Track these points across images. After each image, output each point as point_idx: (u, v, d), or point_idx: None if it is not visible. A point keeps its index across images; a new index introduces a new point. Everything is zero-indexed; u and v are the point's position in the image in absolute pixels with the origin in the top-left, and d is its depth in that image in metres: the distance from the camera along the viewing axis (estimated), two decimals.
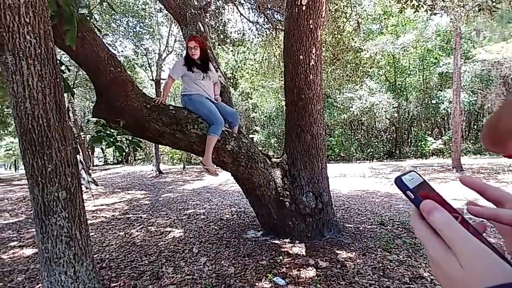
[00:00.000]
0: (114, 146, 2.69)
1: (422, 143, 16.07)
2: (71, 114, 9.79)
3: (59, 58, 2.37)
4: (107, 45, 2.96)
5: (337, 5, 7.15)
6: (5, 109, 13.18)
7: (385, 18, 16.38)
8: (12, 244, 3.98)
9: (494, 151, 0.87)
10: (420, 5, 4.99)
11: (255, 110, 21.01)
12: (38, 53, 1.88)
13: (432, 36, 15.56)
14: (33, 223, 4.92)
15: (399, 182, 0.35)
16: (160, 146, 13.94)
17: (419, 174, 0.37)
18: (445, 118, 17.83)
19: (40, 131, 1.91)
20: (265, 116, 20.37)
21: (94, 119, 2.83)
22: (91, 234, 3.41)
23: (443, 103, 15.51)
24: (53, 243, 1.96)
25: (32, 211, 2.04)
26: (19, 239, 4.19)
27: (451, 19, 7.81)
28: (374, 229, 3.76)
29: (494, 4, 4.94)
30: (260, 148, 3.71)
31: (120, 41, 13.03)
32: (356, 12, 8.31)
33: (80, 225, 2.09)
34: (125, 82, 2.94)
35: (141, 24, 12.40)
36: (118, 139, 2.85)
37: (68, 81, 3.01)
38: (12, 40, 1.80)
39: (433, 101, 16.38)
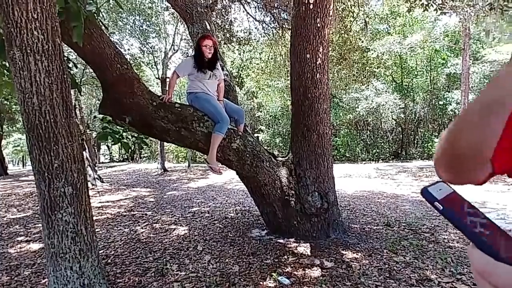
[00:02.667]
0: (120, 143, 2.70)
1: (429, 144, 15.90)
2: (77, 111, 9.87)
3: (66, 55, 2.38)
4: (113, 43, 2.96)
5: (344, 4, 7.10)
6: (13, 106, 13.36)
7: (392, 18, 16.23)
8: (19, 238, 4.02)
9: (455, 182, 0.57)
10: (429, 4, 4.93)
11: (260, 110, 21.00)
12: (46, 49, 1.88)
13: (440, 36, 15.39)
14: (40, 218, 4.98)
15: (425, 192, 0.33)
16: (165, 144, 14.01)
17: (448, 185, 0.35)
18: (453, 119, 17.61)
19: (47, 127, 1.92)
20: (270, 116, 20.33)
21: (101, 116, 2.84)
22: (96, 230, 3.42)
23: (450, 104, 15.34)
24: (59, 238, 1.97)
25: (39, 207, 2.05)
26: (26, 234, 4.23)
27: (460, 19, 7.71)
28: (380, 230, 3.72)
29: (506, 3, 4.86)
30: (265, 147, 3.71)
31: (127, 39, 13.14)
32: (363, 11, 8.24)
33: (86, 220, 2.09)
34: (132, 79, 2.95)
35: (147, 22, 12.46)
36: (124, 136, 2.87)
37: (75, 78, 3.03)
38: (20, 36, 1.81)
39: (440, 102, 16.20)
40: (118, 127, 2.92)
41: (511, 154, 0.54)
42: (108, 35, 3.03)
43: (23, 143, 27.22)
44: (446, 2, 5.38)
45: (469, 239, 0.32)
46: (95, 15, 2.65)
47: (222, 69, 3.69)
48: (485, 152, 0.48)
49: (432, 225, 3.85)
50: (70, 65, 2.98)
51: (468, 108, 0.49)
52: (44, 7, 1.84)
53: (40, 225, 4.62)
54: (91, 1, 2.61)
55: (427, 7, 5.01)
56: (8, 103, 12.65)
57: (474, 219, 0.32)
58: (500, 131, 0.45)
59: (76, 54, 2.93)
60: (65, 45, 2.54)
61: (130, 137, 2.99)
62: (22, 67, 1.82)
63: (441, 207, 0.32)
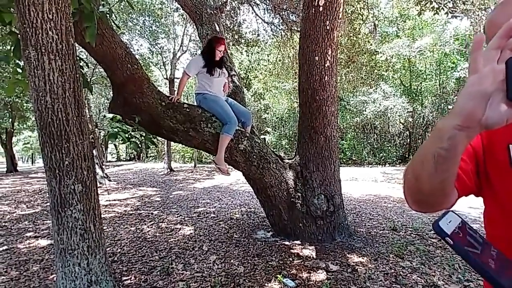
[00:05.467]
0: (129, 142, 2.73)
1: None
2: (86, 110, 9.99)
3: (77, 54, 2.42)
4: None
5: (353, 7, 7.08)
6: (24, 104, 13.59)
7: (402, 21, 16.11)
8: (28, 234, 4.09)
9: (427, 212, 0.65)
10: (441, 8, 4.88)
11: (267, 111, 20.99)
12: (60, 49, 1.92)
13: (450, 40, 15.22)
14: (49, 215, 5.01)
15: (436, 227, 0.34)
16: (172, 144, 14.10)
17: (456, 214, 0.36)
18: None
19: (59, 124, 1.95)
20: (276, 117, 20.31)
21: (110, 115, 2.88)
22: (103, 228, 3.47)
23: None
24: (68, 235, 2.00)
25: (48, 203, 2.09)
26: (35, 230, 4.30)
27: (471, 22, 7.61)
28: (386, 234, 3.69)
29: None
30: (271, 149, 3.72)
31: (136, 39, 13.27)
32: (372, 14, 8.20)
33: (94, 218, 2.12)
34: (141, 79, 2.99)
35: (157, 23, 12.56)
36: (132, 135, 2.90)
37: (87, 78, 3.08)
38: (35, 36, 1.85)
39: (450, 107, 15.99)
40: (127, 126, 2.96)
41: (469, 176, 0.59)
42: (118, 35, 3.08)
43: (33, 141, 27.66)
44: (458, 6, 5.32)
45: (474, 269, 0.34)
46: (107, 15, 2.70)
47: (231, 70, 3.74)
48: (448, 189, 0.52)
49: None
50: (81, 64, 3.03)
51: (421, 155, 0.51)
52: (59, 7, 1.88)
53: (48, 221, 4.70)
54: (104, 2, 2.65)
55: (438, 10, 4.97)
56: (19, 101, 12.86)
57: (476, 248, 0.34)
58: (456, 171, 0.49)
59: (87, 53, 2.98)
60: (77, 45, 2.58)
61: (138, 136, 3.02)
62: (37, 66, 1.86)
63: (452, 242, 0.33)
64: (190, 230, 4.16)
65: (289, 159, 3.79)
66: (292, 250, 3.20)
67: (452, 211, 0.36)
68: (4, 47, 6.96)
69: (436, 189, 0.51)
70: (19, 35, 1.95)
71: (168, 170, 13.36)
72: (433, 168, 0.47)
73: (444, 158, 0.45)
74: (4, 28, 2.60)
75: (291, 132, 18.87)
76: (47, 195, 2.11)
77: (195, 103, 3.36)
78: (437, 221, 0.35)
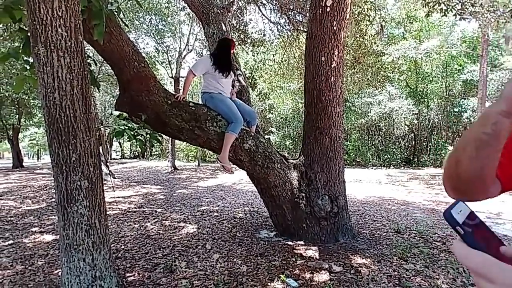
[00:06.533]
0: (135, 140, 2.75)
1: (442, 152, 15.58)
2: (92, 107, 10.06)
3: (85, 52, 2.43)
4: None
5: (360, 8, 7.04)
6: (31, 100, 13.72)
7: (409, 23, 16.01)
8: (34, 229, 4.13)
9: (464, 199, 0.64)
10: (449, 9, 4.84)
11: (271, 111, 20.99)
12: (68, 46, 1.94)
13: (457, 42, 15.10)
14: (54, 210, 5.05)
15: (448, 216, 0.35)
16: (176, 142, 14.15)
17: (465, 204, 0.36)
18: (468, 127, 17.24)
19: (67, 121, 1.97)
20: (281, 118, 20.31)
21: (117, 112, 2.89)
22: (108, 224, 3.49)
23: (466, 112, 15.01)
24: (73, 230, 2.02)
25: (53, 199, 2.11)
26: (40, 225, 4.34)
27: (479, 24, 7.54)
28: (390, 237, 3.67)
29: None
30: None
31: (142, 38, 13.36)
32: (379, 15, 8.16)
33: (99, 214, 2.14)
34: (148, 77, 3.00)
35: (163, 22, 12.62)
36: (138, 132, 2.91)
37: (94, 75, 3.10)
38: (44, 33, 1.86)
39: (456, 109, 15.88)
40: (133, 124, 2.98)
41: None
42: (126, 33, 3.10)
43: (39, 137, 27.89)
44: (466, 8, 5.28)
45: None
46: (116, 13, 2.71)
47: (236, 69, 3.75)
48: (487, 178, 0.52)
49: (444, 234, 3.78)
50: (89, 61, 3.05)
51: (464, 141, 0.52)
52: (68, 5, 1.90)
53: (53, 217, 4.74)
54: (112, 1, 2.67)
55: (446, 12, 4.93)
56: (26, 97, 12.99)
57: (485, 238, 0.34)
58: (498, 158, 0.49)
59: (93, 51, 2.99)
60: (84, 43, 2.60)
61: (144, 134, 3.04)
62: (46, 62, 1.88)
63: (463, 232, 0.34)
64: (193, 228, 4.18)
65: (293, 159, 3.79)
66: (295, 250, 3.20)
67: (462, 201, 0.37)
68: (13, 44, 7.03)
69: (475, 176, 0.51)
70: (28, 32, 1.97)
71: (172, 168, 13.42)
72: (474, 153, 0.48)
73: (486, 143, 0.46)
74: (14, 25, 2.63)
75: (295, 133, 18.86)
76: (53, 191, 2.14)
77: (201, 102, 3.37)
78: (449, 209, 0.35)
